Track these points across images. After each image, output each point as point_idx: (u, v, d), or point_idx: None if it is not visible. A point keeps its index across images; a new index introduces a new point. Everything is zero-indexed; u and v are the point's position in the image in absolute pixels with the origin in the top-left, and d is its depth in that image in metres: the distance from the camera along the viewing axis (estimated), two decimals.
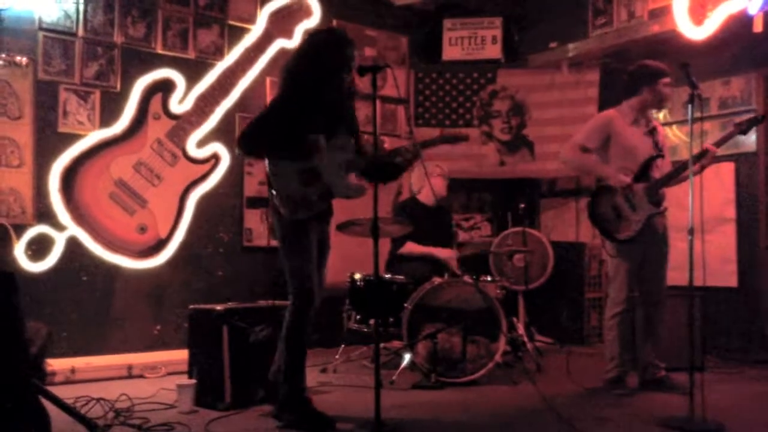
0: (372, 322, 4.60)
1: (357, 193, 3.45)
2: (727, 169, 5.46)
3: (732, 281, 5.45)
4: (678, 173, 4.05)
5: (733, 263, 5.46)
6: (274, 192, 3.32)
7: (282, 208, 3.29)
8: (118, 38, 5.16)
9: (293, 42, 5.42)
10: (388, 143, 3.87)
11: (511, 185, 6.77)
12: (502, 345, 4.40)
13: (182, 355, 4.17)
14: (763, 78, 5.36)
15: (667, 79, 4.16)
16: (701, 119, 3.67)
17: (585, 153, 4.24)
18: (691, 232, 3.40)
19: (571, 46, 6.33)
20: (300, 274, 3.34)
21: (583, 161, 4.28)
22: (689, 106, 3.49)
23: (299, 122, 3.32)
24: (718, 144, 4.03)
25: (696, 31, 5.19)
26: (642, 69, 4.22)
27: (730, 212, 5.50)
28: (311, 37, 3.58)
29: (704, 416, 3.26)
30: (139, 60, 5.21)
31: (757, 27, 4.97)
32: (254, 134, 3.35)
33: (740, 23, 5.05)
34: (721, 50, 5.42)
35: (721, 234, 5.45)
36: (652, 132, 4.22)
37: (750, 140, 5.35)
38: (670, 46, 5.51)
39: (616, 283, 4.15)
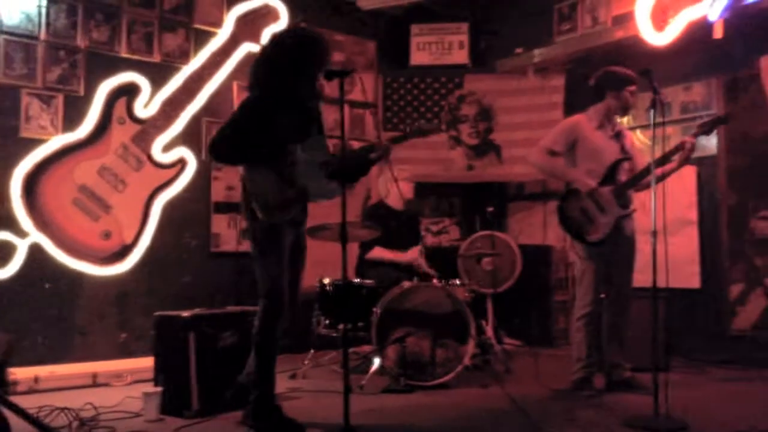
0: (341, 326, 4.60)
1: (333, 194, 3.41)
2: (690, 172, 5.56)
3: (695, 282, 5.55)
4: (644, 176, 4.11)
5: (696, 265, 5.56)
6: (251, 196, 3.26)
7: (260, 212, 3.25)
8: (81, 42, 5.08)
9: (260, 46, 5.40)
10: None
11: (479, 189, 6.81)
12: (471, 348, 4.42)
13: (148, 362, 4.10)
14: (723, 83, 5.48)
15: (633, 87, 4.23)
16: (663, 124, 3.73)
17: (552, 156, 4.30)
18: (654, 234, 3.46)
19: (536, 51, 6.40)
20: (270, 278, 3.31)
21: (551, 165, 4.34)
22: (652, 110, 3.55)
23: (272, 127, 3.28)
24: (696, 135, 4.11)
25: (658, 37, 5.29)
26: (609, 75, 4.29)
27: (693, 215, 5.60)
28: (282, 36, 3.51)
29: (669, 415, 3.32)
30: (103, 64, 5.14)
31: (717, 33, 5.08)
32: (226, 142, 3.26)
33: (701, 30, 5.15)
34: (683, 56, 5.52)
35: (684, 236, 5.55)
36: (618, 136, 4.29)
37: (711, 144, 5.46)
38: (634, 51, 5.60)
39: (584, 285, 4.20)
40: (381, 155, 3.50)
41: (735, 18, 5.01)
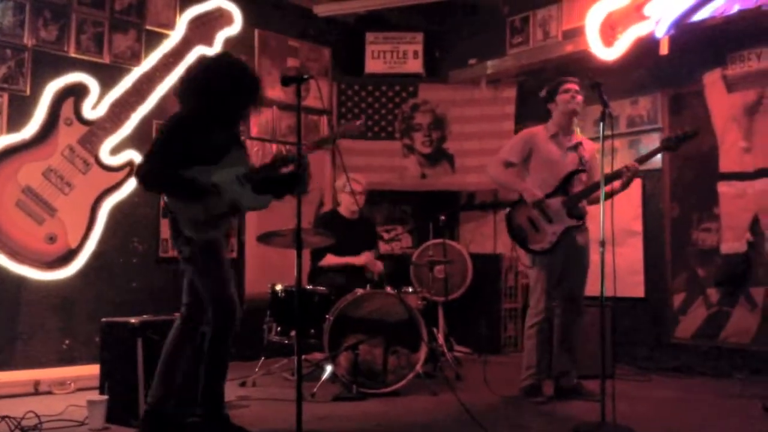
0: (293, 333, 4.57)
1: (264, 203, 3.41)
2: (635, 184, 5.66)
3: (639, 292, 5.70)
4: (594, 189, 4.18)
5: (640, 274, 5.70)
6: (179, 217, 3.21)
7: (190, 232, 3.20)
8: (28, 40, 4.95)
9: (213, 49, 5.32)
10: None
11: (431, 197, 6.86)
12: (422, 356, 4.44)
13: (93, 370, 4.01)
14: (668, 98, 5.65)
15: (566, 86, 4.27)
16: (612, 137, 3.82)
17: (508, 168, 4.35)
18: (602, 244, 3.54)
19: (489, 63, 6.49)
20: (218, 293, 3.25)
21: (504, 176, 4.39)
22: (601, 123, 3.63)
23: (195, 148, 3.23)
24: (642, 160, 4.20)
25: (607, 52, 5.43)
26: (546, 90, 4.38)
27: (638, 226, 5.75)
28: (211, 63, 3.42)
29: (615, 422, 3.39)
30: (51, 63, 5.01)
31: (663, 50, 5.25)
32: (154, 174, 3.20)
33: (648, 46, 5.31)
34: (630, 71, 5.68)
35: (630, 246, 5.69)
36: (575, 147, 4.35)
37: (656, 158, 5.59)
38: (583, 65, 5.73)
39: (536, 294, 4.26)
40: (300, 166, 3.26)
41: (681, 35, 5.18)
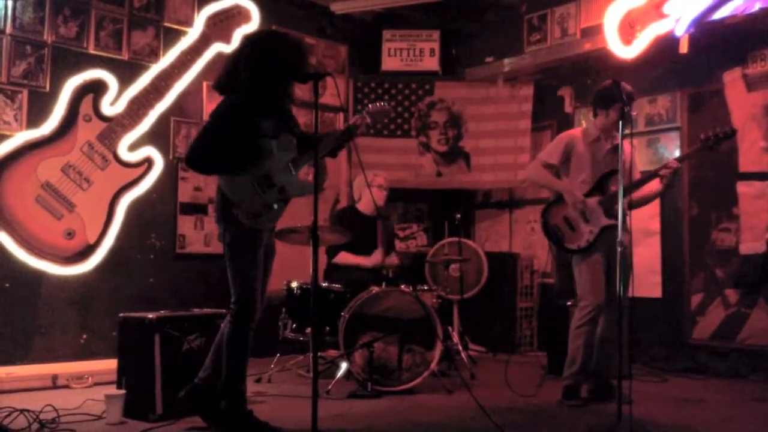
0: (308, 330, 4.58)
1: (307, 190, 3.45)
2: (653, 183, 5.65)
3: (657, 292, 5.65)
4: (632, 188, 4.08)
5: (657, 274, 5.66)
6: (234, 204, 3.25)
7: (245, 219, 3.25)
8: (48, 37, 4.99)
9: (231, 47, 5.35)
10: None
11: (447, 196, 6.85)
12: (437, 354, 4.44)
13: (110, 364, 4.04)
14: (688, 96, 5.60)
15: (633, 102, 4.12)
16: (631, 135, 3.79)
17: (546, 169, 4.31)
18: (620, 244, 3.51)
19: (506, 61, 6.46)
20: (244, 283, 3.29)
21: (543, 177, 4.34)
22: (620, 122, 3.60)
23: (251, 130, 3.27)
24: (682, 159, 4.15)
25: (625, 50, 5.39)
26: (604, 92, 4.16)
27: (655, 225, 5.71)
28: (259, 38, 3.47)
29: (631, 423, 3.36)
30: (71, 60, 5.05)
31: (683, 48, 5.20)
32: (206, 153, 3.25)
33: (667, 44, 5.27)
34: (649, 69, 5.64)
35: (647, 246, 5.65)
36: (615, 149, 4.26)
37: (673, 156, 5.56)
38: (601, 63, 5.71)
39: (581, 293, 4.19)
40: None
41: (701, 33, 5.14)
